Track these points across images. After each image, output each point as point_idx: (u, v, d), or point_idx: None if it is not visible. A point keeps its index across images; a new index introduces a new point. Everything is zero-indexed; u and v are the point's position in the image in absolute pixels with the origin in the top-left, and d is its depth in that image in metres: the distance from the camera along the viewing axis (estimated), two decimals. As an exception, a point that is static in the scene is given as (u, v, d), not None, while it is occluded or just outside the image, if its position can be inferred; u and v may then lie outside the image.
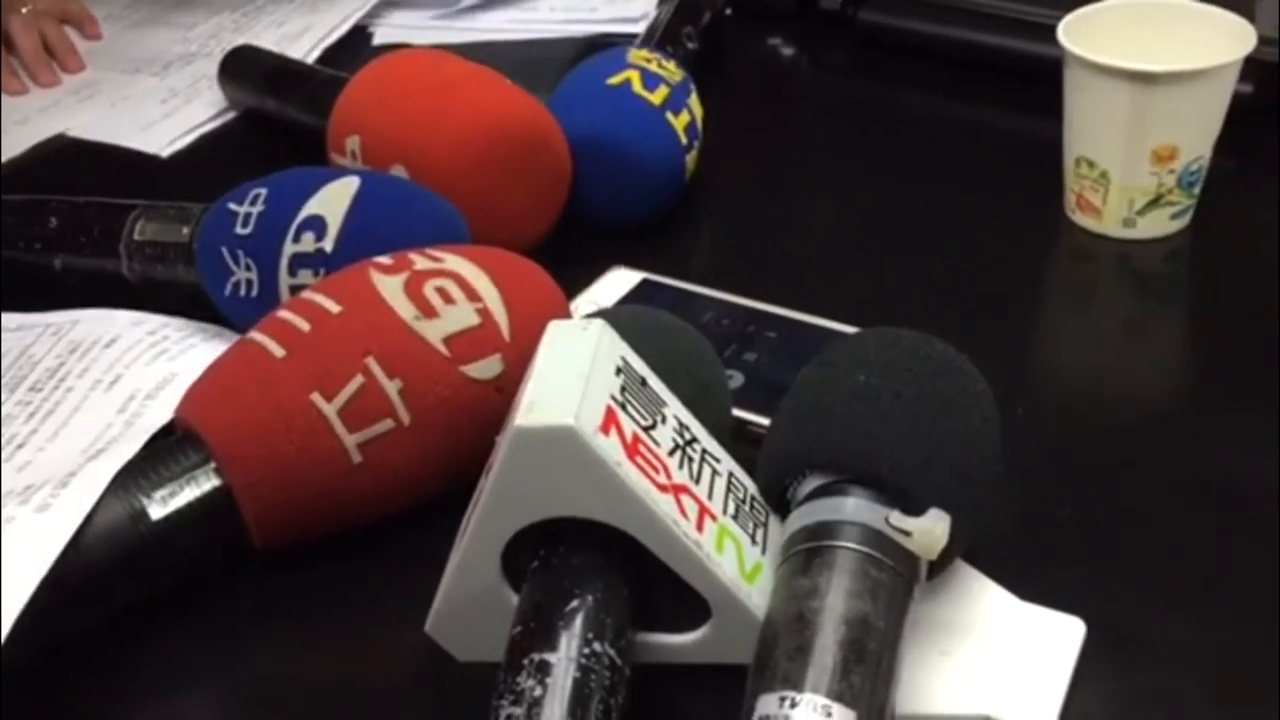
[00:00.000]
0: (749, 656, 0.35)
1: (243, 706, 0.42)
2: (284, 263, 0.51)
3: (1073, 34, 0.59)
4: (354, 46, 0.84)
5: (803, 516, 0.38)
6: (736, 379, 0.50)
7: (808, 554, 0.37)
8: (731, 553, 0.39)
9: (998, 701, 0.38)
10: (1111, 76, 0.58)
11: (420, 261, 0.47)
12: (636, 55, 0.63)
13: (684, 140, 0.62)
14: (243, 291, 0.53)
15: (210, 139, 0.75)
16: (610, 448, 0.36)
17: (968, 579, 0.42)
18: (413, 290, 0.45)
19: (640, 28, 0.79)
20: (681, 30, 0.74)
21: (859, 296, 0.57)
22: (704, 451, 0.40)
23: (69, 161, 0.74)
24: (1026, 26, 0.73)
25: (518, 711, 0.34)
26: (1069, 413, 0.52)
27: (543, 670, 0.35)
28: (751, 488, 0.42)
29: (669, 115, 0.61)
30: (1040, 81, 0.64)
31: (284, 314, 0.46)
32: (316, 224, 0.51)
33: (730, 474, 0.41)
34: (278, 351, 0.44)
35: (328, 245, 0.51)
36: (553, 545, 0.38)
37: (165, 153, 0.73)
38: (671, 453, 0.39)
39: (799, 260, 0.63)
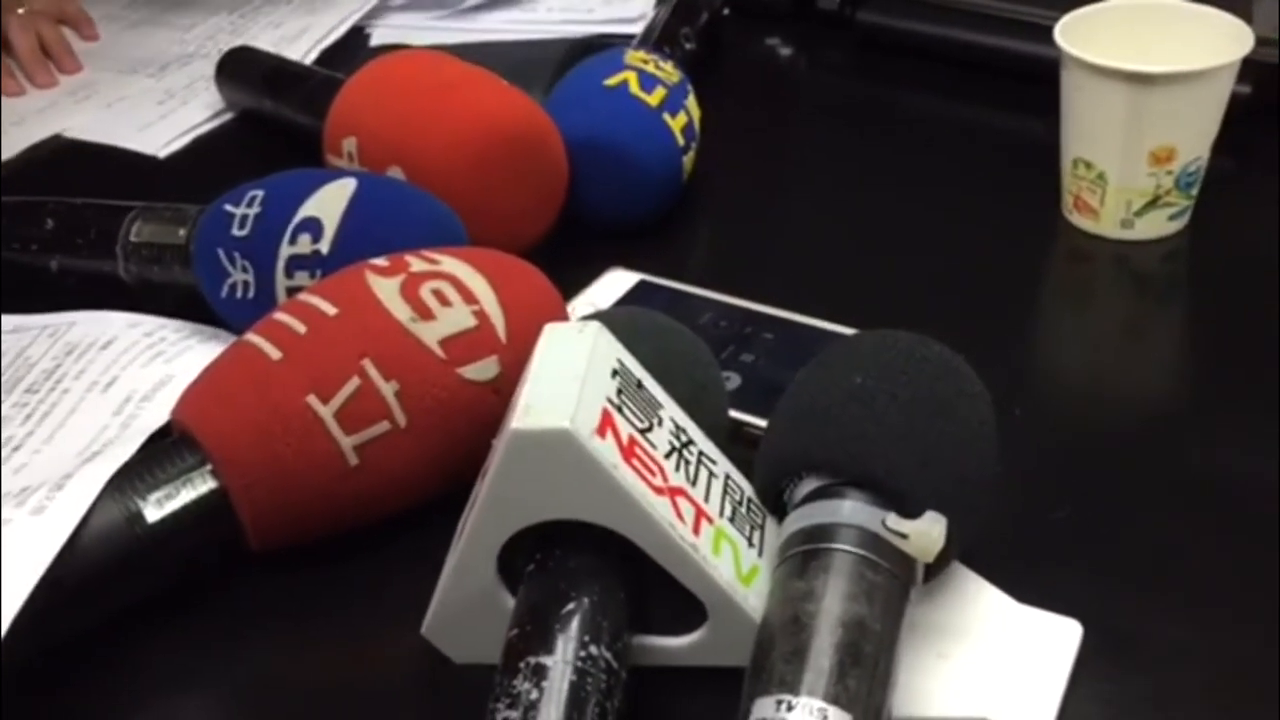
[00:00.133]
0: (745, 659, 0.35)
1: (239, 708, 0.42)
2: (280, 264, 0.51)
3: (1070, 35, 0.59)
4: (352, 47, 0.83)
5: (799, 519, 0.38)
6: (733, 380, 0.50)
7: (804, 556, 0.37)
8: (728, 555, 0.39)
9: (995, 704, 0.38)
10: (1109, 77, 0.58)
11: (417, 263, 0.47)
12: (634, 56, 0.63)
13: (681, 141, 0.62)
14: (239, 293, 0.53)
15: (207, 140, 0.75)
16: (606, 450, 0.36)
17: (965, 581, 0.42)
18: (409, 292, 0.45)
19: (638, 28, 0.79)
20: (679, 31, 0.74)
21: (856, 298, 0.57)
22: (701, 454, 0.40)
23: (66, 162, 0.74)
24: (1024, 27, 0.73)
25: (514, 715, 0.34)
26: (1067, 414, 0.52)
27: (539, 673, 0.35)
28: (748, 490, 0.41)
29: (666, 116, 0.61)
30: (1038, 82, 0.64)
31: (280, 316, 0.46)
32: (313, 226, 0.51)
33: (727, 476, 0.41)
34: (274, 353, 0.44)
35: (324, 247, 0.51)
36: (549, 548, 0.38)
37: (162, 154, 0.73)
38: (668, 455, 0.39)
39: (796, 261, 0.63)
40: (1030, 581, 0.42)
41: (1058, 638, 0.40)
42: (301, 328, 0.45)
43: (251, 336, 0.45)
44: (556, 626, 0.36)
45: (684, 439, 0.40)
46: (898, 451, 0.38)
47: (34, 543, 0.39)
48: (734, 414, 0.46)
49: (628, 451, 0.37)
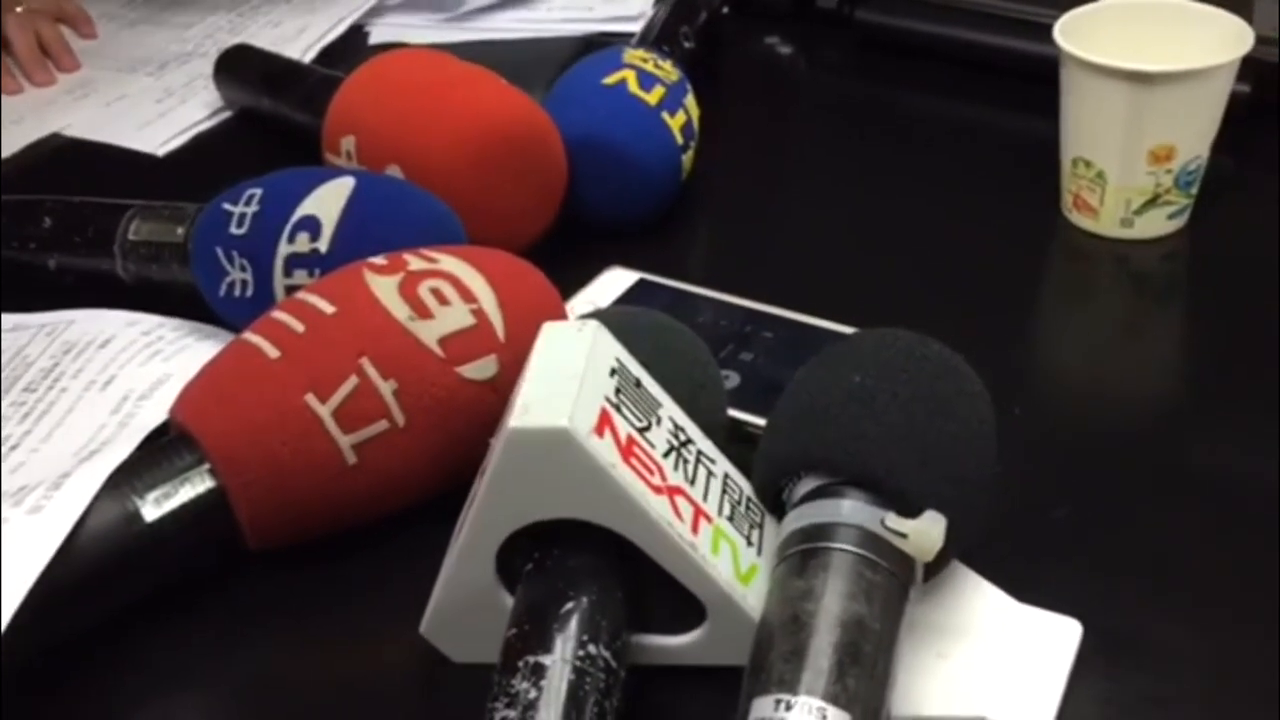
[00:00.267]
0: (744, 659, 0.35)
1: (237, 707, 0.42)
2: (279, 263, 0.51)
3: (1070, 34, 0.59)
4: (350, 46, 0.83)
5: (798, 518, 0.38)
6: (733, 379, 0.50)
7: (803, 556, 0.37)
8: (727, 554, 0.39)
9: (994, 703, 0.38)
10: (1108, 76, 0.57)
11: (415, 262, 0.47)
12: (633, 55, 0.63)
13: (680, 140, 0.62)
14: (237, 292, 0.52)
15: (206, 139, 0.75)
16: (605, 449, 0.36)
17: (964, 580, 0.42)
18: (407, 291, 0.45)
19: (637, 27, 0.79)
20: (678, 29, 0.74)
21: (855, 297, 0.57)
22: (699, 453, 0.40)
23: (64, 161, 0.73)
24: (1024, 26, 0.73)
25: (512, 714, 0.34)
26: (1066, 413, 0.52)
27: (537, 672, 0.35)
28: (747, 489, 0.41)
29: (665, 115, 0.61)
30: (1037, 81, 0.64)
31: (278, 314, 0.45)
32: (311, 224, 0.51)
33: (726, 475, 0.41)
34: (272, 352, 0.44)
35: (322, 246, 0.51)
36: (547, 547, 0.38)
37: (161, 152, 0.73)
38: (666, 454, 0.39)
39: (796, 260, 0.62)
40: (1030, 581, 0.42)
41: (1057, 637, 0.40)
42: (300, 326, 0.44)
43: (250, 335, 0.45)
44: (555, 626, 0.36)
45: (682, 438, 0.40)
46: (897, 450, 0.38)
47: (32, 542, 0.39)
48: (733, 413, 0.46)
49: (626, 450, 0.37)
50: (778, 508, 0.40)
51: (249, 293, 0.52)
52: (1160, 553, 0.45)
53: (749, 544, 0.40)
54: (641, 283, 0.57)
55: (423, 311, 0.45)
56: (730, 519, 0.40)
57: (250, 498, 0.43)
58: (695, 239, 0.65)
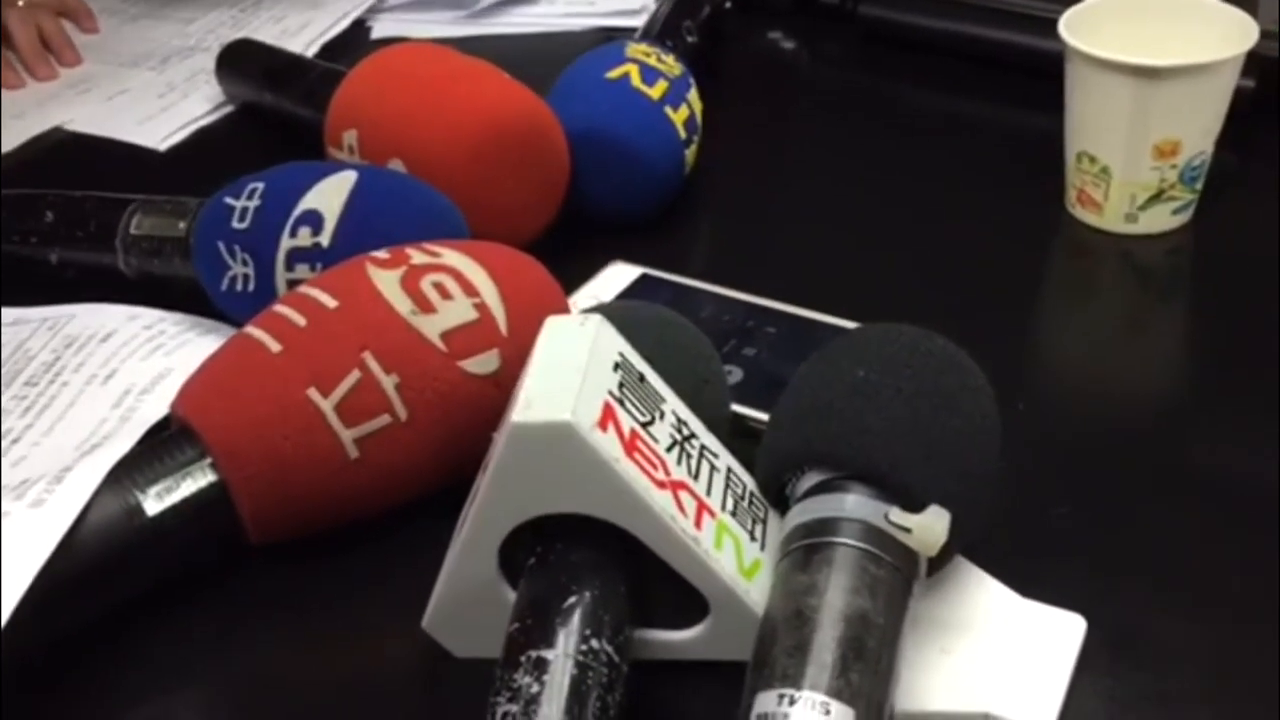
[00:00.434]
0: (747, 653, 0.35)
1: (239, 702, 0.42)
2: (281, 257, 0.51)
3: (1074, 28, 0.59)
4: (353, 42, 0.83)
5: (802, 513, 0.38)
6: (736, 374, 0.50)
7: (806, 550, 0.37)
8: (730, 549, 0.38)
9: (998, 699, 0.38)
10: (1113, 71, 0.57)
11: (417, 256, 0.46)
12: (635, 49, 0.63)
13: (683, 135, 0.62)
14: (239, 286, 0.52)
15: (207, 133, 0.75)
16: (608, 444, 0.36)
17: (968, 576, 0.42)
18: (410, 285, 0.45)
19: (639, 21, 0.79)
20: (681, 24, 0.73)
21: (859, 291, 0.57)
22: (702, 447, 0.40)
23: (66, 155, 0.73)
24: (1028, 20, 0.73)
25: (515, 708, 0.34)
26: (1070, 409, 0.52)
27: (540, 667, 0.34)
28: (750, 484, 0.41)
29: (668, 109, 0.61)
30: (1041, 76, 0.64)
31: (280, 309, 0.45)
32: (313, 218, 0.51)
33: (729, 470, 0.41)
34: (274, 346, 0.44)
35: (324, 240, 0.51)
36: (550, 542, 0.38)
37: (162, 147, 0.73)
38: (670, 449, 0.39)
39: (798, 255, 0.62)
40: (1033, 576, 0.42)
41: (1061, 632, 0.40)
42: (302, 320, 0.44)
43: (251, 329, 0.45)
44: (558, 620, 0.36)
45: (686, 432, 0.40)
46: (901, 445, 0.37)
47: (33, 536, 0.39)
48: (736, 408, 0.46)
49: (629, 445, 0.37)
50: (781, 503, 0.40)
51: (251, 287, 0.52)
52: (1164, 549, 0.45)
53: (752, 539, 0.40)
54: (644, 278, 0.57)
55: (425, 306, 0.45)
56: (733, 514, 0.39)
57: (252, 492, 0.43)
58: (698, 234, 0.65)
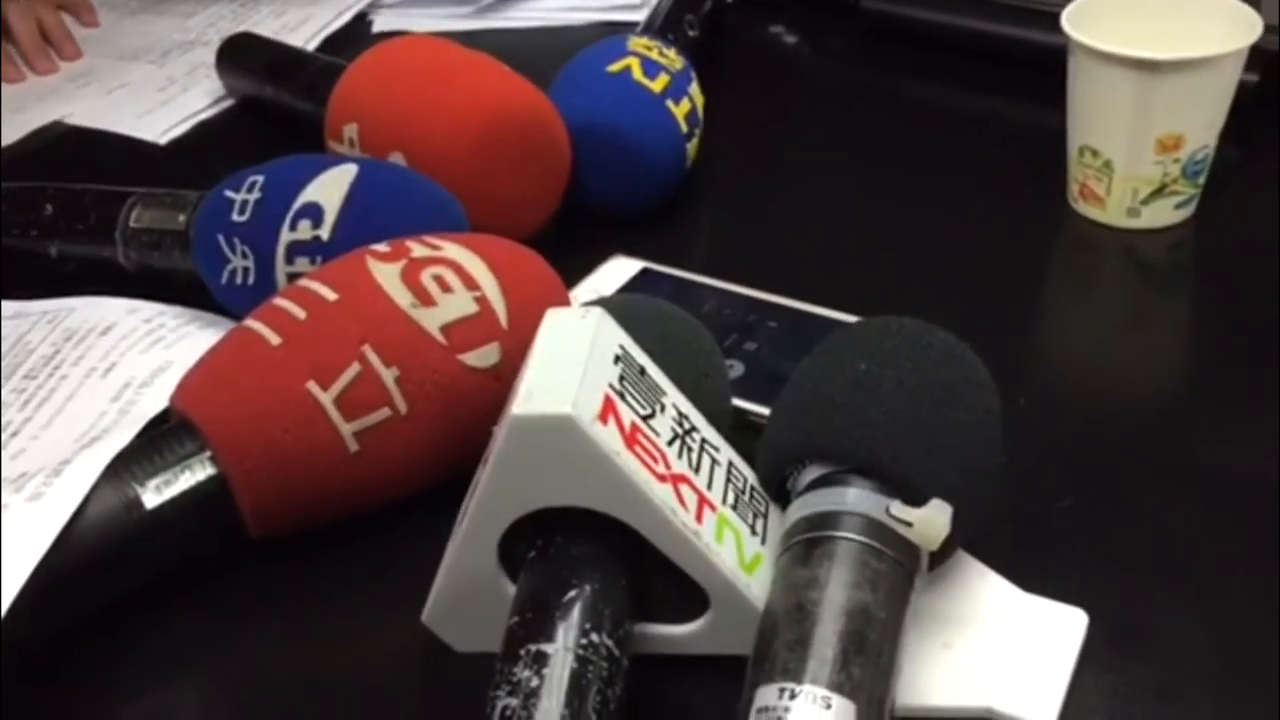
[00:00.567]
0: (748, 648, 0.35)
1: (238, 696, 0.42)
2: (281, 250, 0.51)
3: (1077, 21, 0.59)
4: (354, 35, 0.83)
5: (803, 507, 0.38)
6: (737, 368, 0.50)
7: (807, 544, 0.36)
8: (731, 543, 0.38)
9: (1000, 694, 0.38)
10: (1116, 64, 0.57)
11: (418, 249, 0.46)
12: (637, 43, 0.63)
13: (684, 128, 0.61)
14: (239, 279, 0.52)
15: (208, 127, 0.75)
16: (608, 437, 0.36)
17: (969, 570, 0.42)
18: (410, 278, 0.45)
19: (641, 15, 0.78)
20: (683, 17, 0.73)
21: (860, 286, 0.57)
22: (703, 441, 0.40)
23: (66, 149, 0.73)
24: (1030, 14, 0.73)
25: (514, 702, 0.34)
26: (1071, 403, 0.52)
27: (540, 661, 0.34)
28: (751, 478, 0.41)
29: (669, 103, 0.61)
30: (1044, 70, 0.64)
31: (280, 301, 0.45)
32: (313, 211, 0.51)
33: (730, 464, 0.41)
34: (274, 339, 0.44)
35: (324, 233, 0.51)
36: (550, 535, 0.38)
37: (163, 140, 0.73)
38: (670, 442, 0.38)
39: (800, 249, 0.62)
40: (1035, 571, 0.42)
41: (1063, 627, 0.40)
42: (301, 313, 0.44)
43: (251, 322, 0.45)
44: (558, 614, 0.36)
45: (686, 426, 0.40)
46: (902, 438, 0.37)
47: (32, 529, 0.39)
48: (737, 402, 0.46)
49: (630, 438, 0.37)
50: (782, 496, 0.40)
51: (251, 280, 0.52)
52: (1166, 543, 0.44)
53: (753, 533, 0.39)
54: (645, 271, 0.57)
55: (425, 299, 0.44)
56: (734, 507, 0.39)
57: (251, 485, 0.43)
58: (699, 228, 0.64)
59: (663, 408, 0.39)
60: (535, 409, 0.36)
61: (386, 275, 0.45)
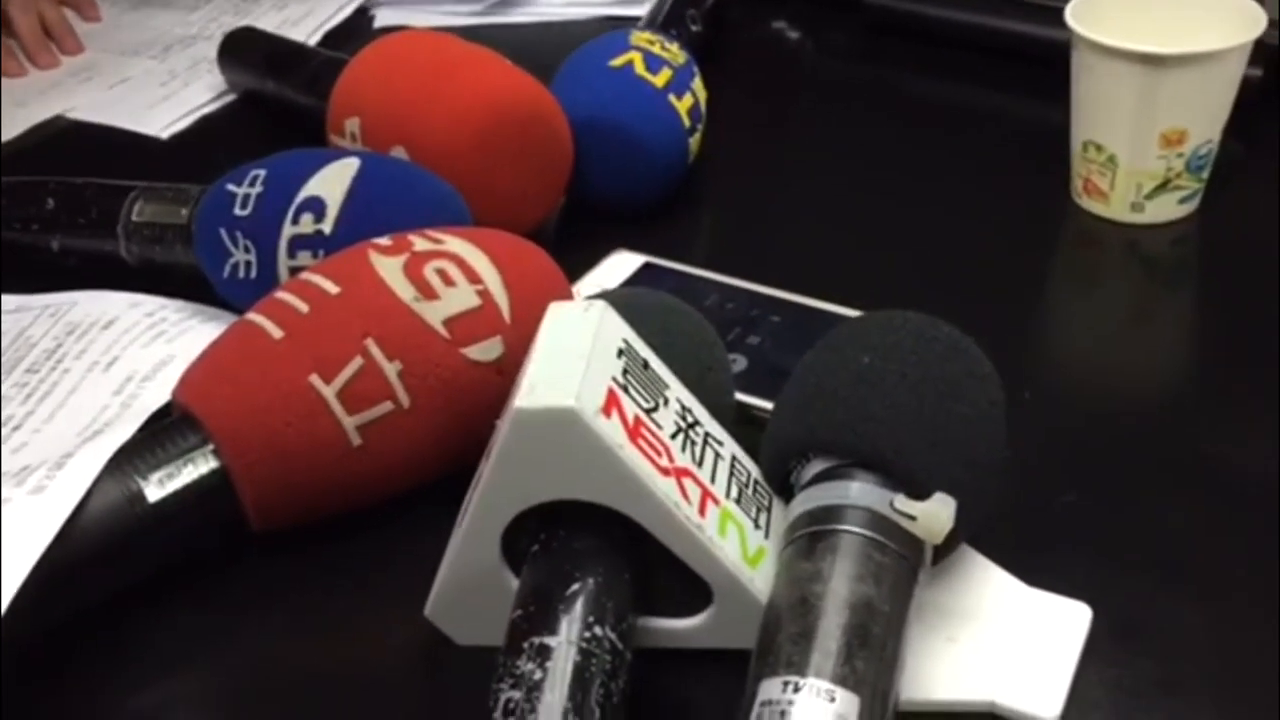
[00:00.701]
0: (751, 641, 0.35)
1: (239, 689, 0.42)
2: (283, 244, 0.51)
3: (1081, 16, 0.59)
4: (355, 30, 0.83)
5: (806, 500, 0.38)
6: (740, 363, 0.50)
7: (811, 538, 0.36)
8: (734, 537, 0.38)
9: (1003, 688, 0.38)
10: (1120, 59, 0.57)
11: (420, 243, 0.46)
12: (639, 37, 0.63)
13: (687, 123, 0.61)
14: (241, 273, 0.52)
15: (209, 121, 0.74)
16: (612, 430, 0.36)
17: (973, 564, 0.41)
18: (412, 272, 0.45)
19: (643, 10, 0.78)
20: (685, 12, 0.73)
21: (864, 280, 0.56)
22: (707, 435, 0.40)
23: (68, 144, 0.73)
24: (1033, 9, 0.73)
25: (517, 695, 0.33)
26: (1076, 398, 0.52)
27: (543, 654, 0.34)
28: (755, 472, 0.41)
29: (672, 97, 0.61)
30: (1047, 65, 0.64)
31: (282, 295, 0.45)
32: (316, 205, 0.51)
33: (733, 457, 0.41)
34: (276, 333, 0.44)
35: (327, 227, 0.50)
36: (553, 528, 0.38)
37: (165, 135, 0.73)
38: (674, 436, 0.38)
39: (803, 244, 0.62)
40: (1039, 565, 0.41)
41: (1067, 621, 0.40)
42: (304, 307, 0.44)
43: (253, 316, 0.45)
44: (561, 607, 0.36)
45: (690, 420, 0.40)
46: (906, 432, 0.37)
47: (34, 522, 0.39)
48: (741, 396, 0.46)
49: (633, 431, 0.37)
50: (785, 490, 0.40)
51: (253, 274, 0.52)
52: (1170, 538, 0.44)
53: (756, 526, 0.39)
54: (648, 266, 0.57)
55: (428, 292, 0.44)
56: (738, 501, 0.39)
57: (254, 479, 0.43)
58: (702, 222, 0.64)
59: (666, 401, 0.39)
60: (538, 402, 0.36)
61: (389, 269, 0.45)
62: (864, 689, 0.33)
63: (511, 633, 0.35)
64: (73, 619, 0.42)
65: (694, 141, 0.62)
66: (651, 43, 0.62)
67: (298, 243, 0.51)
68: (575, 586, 0.36)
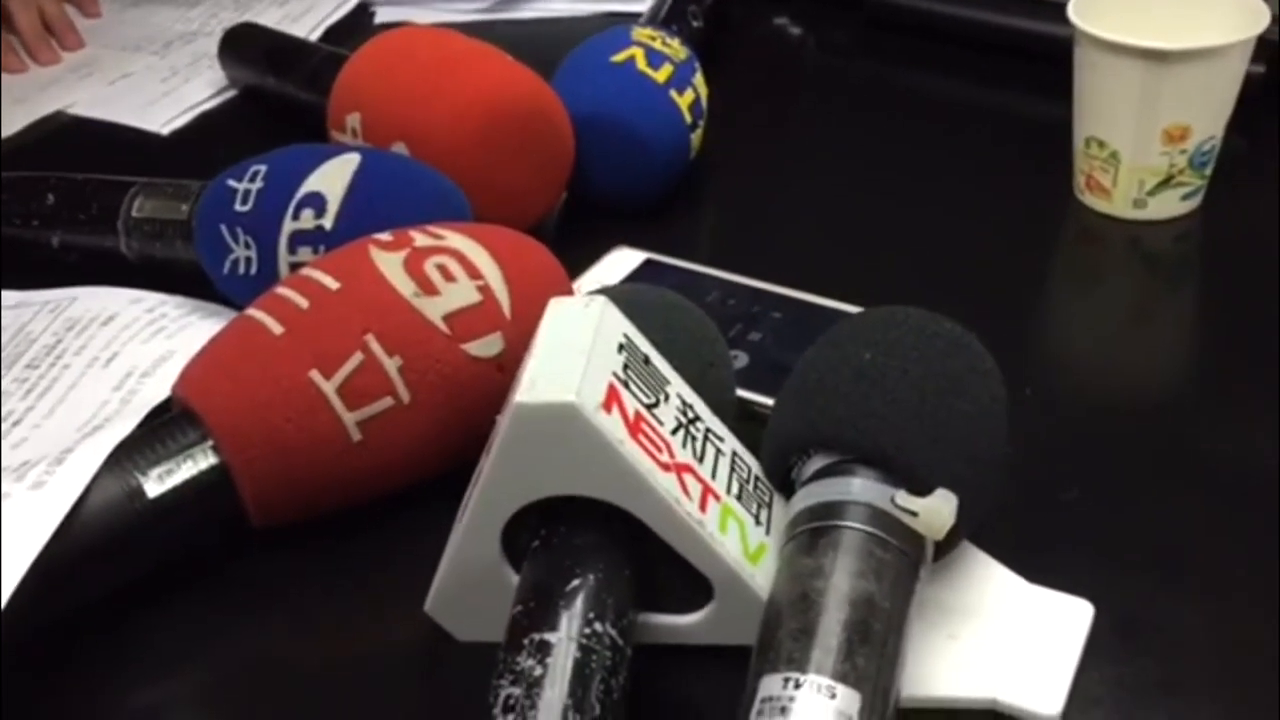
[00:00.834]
0: (752, 638, 0.35)
1: (240, 686, 0.42)
2: (283, 240, 0.51)
3: (1083, 11, 0.59)
4: (356, 26, 0.83)
5: (807, 496, 0.37)
6: (741, 359, 0.50)
7: (812, 534, 0.36)
8: (735, 533, 0.38)
9: (1005, 685, 0.38)
10: (1122, 54, 0.57)
11: (421, 238, 0.46)
12: (641, 33, 0.63)
13: (688, 119, 0.61)
14: (241, 269, 0.52)
15: (210, 117, 0.74)
16: (612, 425, 0.36)
17: (975, 561, 0.41)
18: (413, 267, 0.45)
19: (645, 6, 0.78)
20: (687, 8, 0.73)
21: (865, 277, 0.56)
22: (707, 430, 0.40)
23: (68, 139, 0.73)
24: (1035, 5, 0.72)
25: (517, 691, 0.33)
26: (1077, 394, 0.52)
27: (543, 650, 0.34)
28: (755, 468, 0.41)
29: (673, 93, 0.60)
30: (1049, 61, 0.64)
31: (283, 291, 0.45)
32: (316, 201, 0.51)
33: (734, 453, 0.40)
34: (276, 328, 0.44)
35: (327, 222, 0.50)
36: (554, 524, 0.38)
37: (165, 131, 0.73)
38: (674, 431, 0.38)
39: (804, 240, 0.62)
40: (1041, 562, 0.41)
41: (1069, 618, 0.40)
42: (304, 302, 0.44)
43: (253, 311, 0.45)
44: (561, 603, 0.35)
45: (690, 415, 0.40)
46: (908, 428, 0.37)
47: (33, 518, 0.39)
48: (742, 392, 0.46)
49: (634, 427, 0.37)
50: (786, 487, 0.40)
51: (253, 270, 0.52)
52: (1172, 535, 0.44)
53: (757, 523, 0.39)
54: (649, 262, 0.57)
55: (428, 288, 0.44)
56: (739, 497, 0.39)
57: (253, 474, 0.42)
58: (703, 218, 0.64)
59: (667, 397, 0.39)
60: (539, 397, 0.36)
61: (389, 264, 0.45)
62: (865, 685, 0.33)
63: (512, 629, 0.35)
64: (72, 615, 0.41)
65: (695, 137, 0.62)
66: (653, 38, 0.62)
67: (298, 238, 0.51)
68: (576, 582, 0.36)
